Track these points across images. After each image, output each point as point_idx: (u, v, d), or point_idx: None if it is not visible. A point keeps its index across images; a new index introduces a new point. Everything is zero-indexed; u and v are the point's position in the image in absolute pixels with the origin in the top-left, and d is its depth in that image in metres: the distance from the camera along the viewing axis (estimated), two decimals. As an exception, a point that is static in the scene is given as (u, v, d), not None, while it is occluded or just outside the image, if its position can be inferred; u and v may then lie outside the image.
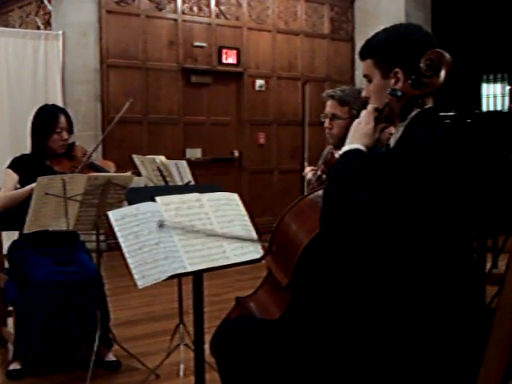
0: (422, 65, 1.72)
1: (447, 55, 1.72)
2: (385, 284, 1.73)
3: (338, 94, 2.99)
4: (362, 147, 1.80)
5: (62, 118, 3.72)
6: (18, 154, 3.85)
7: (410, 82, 1.74)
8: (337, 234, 1.68)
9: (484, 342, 1.56)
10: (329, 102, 3.04)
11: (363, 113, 1.88)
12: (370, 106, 1.86)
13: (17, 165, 3.73)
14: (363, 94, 1.94)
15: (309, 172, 3.19)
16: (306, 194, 2.08)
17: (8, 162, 3.78)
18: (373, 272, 1.75)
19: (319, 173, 3.01)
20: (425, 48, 1.76)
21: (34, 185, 3.41)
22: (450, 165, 1.67)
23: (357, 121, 1.87)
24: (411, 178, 1.63)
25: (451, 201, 1.68)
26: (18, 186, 3.69)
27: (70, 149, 3.81)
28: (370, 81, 1.89)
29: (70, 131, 3.78)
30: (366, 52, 1.88)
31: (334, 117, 3.00)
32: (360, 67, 1.99)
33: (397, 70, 1.80)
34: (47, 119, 3.72)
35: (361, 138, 1.82)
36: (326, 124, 3.03)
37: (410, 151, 1.67)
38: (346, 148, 1.83)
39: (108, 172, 3.78)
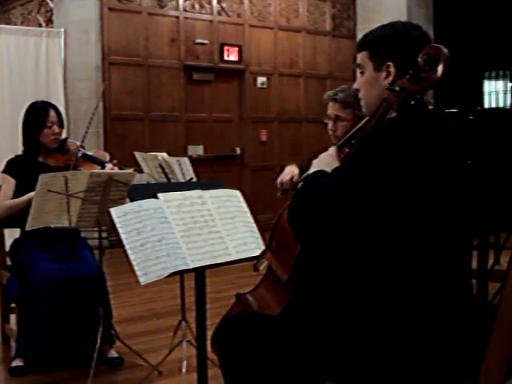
0: (419, 59, 1.74)
1: (445, 50, 1.72)
2: (377, 278, 1.74)
3: (340, 97, 2.93)
4: (326, 169, 1.86)
5: (52, 112, 3.73)
6: (12, 155, 3.85)
7: (407, 76, 1.75)
8: (312, 230, 1.70)
9: (486, 339, 1.56)
10: (331, 104, 2.99)
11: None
12: (331, 150, 1.96)
13: (12, 168, 3.73)
14: (354, 85, 1.98)
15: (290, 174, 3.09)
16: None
17: (3, 166, 3.77)
18: (363, 265, 1.76)
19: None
20: (420, 46, 1.77)
21: (32, 194, 3.42)
22: (406, 151, 1.66)
23: (325, 153, 1.97)
24: (367, 165, 1.66)
25: (413, 190, 1.68)
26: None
27: (62, 143, 3.81)
28: (362, 72, 1.92)
29: (61, 126, 3.78)
30: (363, 45, 1.92)
31: (337, 118, 2.96)
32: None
33: (389, 63, 1.83)
34: (37, 114, 3.73)
35: (324, 166, 1.88)
36: (330, 126, 2.97)
37: (367, 138, 1.73)
38: (310, 171, 1.88)
39: (103, 161, 3.77)
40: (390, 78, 1.82)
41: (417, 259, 1.72)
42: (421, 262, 1.72)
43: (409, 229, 1.70)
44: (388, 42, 1.84)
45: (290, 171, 2.81)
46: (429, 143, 1.70)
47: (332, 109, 2.98)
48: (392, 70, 1.83)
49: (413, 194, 1.68)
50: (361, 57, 1.92)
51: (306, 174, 1.89)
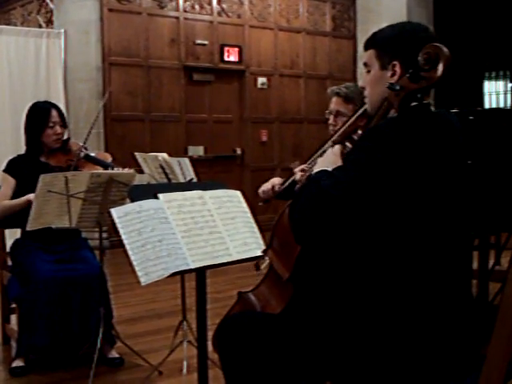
0: (419, 58, 1.74)
1: (445, 49, 1.73)
2: (377, 278, 1.74)
3: (343, 91, 2.99)
4: (328, 169, 1.85)
5: (54, 113, 3.73)
6: (13, 155, 3.85)
7: (408, 75, 1.75)
8: (311, 231, 1.71)
9: (486, 339, 1.56)
10: (334, 99, 3.04)
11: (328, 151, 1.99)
12: (336, 147, 1.96)
13: (13, 167, 3.73)
14: (360, 83, 2.01)
15: (298, 172, 3.10)
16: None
17: (4, 165, 3.77)
18: (363, 265, 1.76)
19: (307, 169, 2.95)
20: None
21: (30, 196, 3.42)
22: (405, 150, 1.67)
23: (330, 151, 1.97)
24: (369, 163, 1.66)
25: (411, 190, 1.68)
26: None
27: (65, 144, 3.81)
28: (368, 71, 1.93)
29: (64, 126, 3.78)
30: (370, 43, 1.94)
31: (338, 113, 3.00)
32: (362, 65, 2.03)
33: (395, 62, 1.84)
34: (39, 114, 3.72)
35: (327, 165, 1.88)
36: (331, 121, 3.02)
37: (366, 137, 1.74)
38: (315, 171, 1.89)
39: (105, 162, 3.78)
40: (396, 78, 1.82)
41: (417, 259, 1.72)
42: (421, 261, 1.72)
43: (407, 228, 1.70)
44: (395, 42, 1.85)
45: (272, 181, 2.90)
46: (426, 143, 1.70)
47: (334, 103, 3.03)
48: (398, 69, 1.83)
49: (410, 194, 1.68)
50: (368, 55, 1.93)
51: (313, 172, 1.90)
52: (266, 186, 2.88)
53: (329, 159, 1.92)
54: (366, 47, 1.94)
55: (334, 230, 1.67)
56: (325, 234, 1.69)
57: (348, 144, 2.04)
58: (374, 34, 1.94)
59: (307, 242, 1.79)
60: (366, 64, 1.94)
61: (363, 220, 1.67)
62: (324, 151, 2.98)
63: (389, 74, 1.85)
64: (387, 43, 1.87)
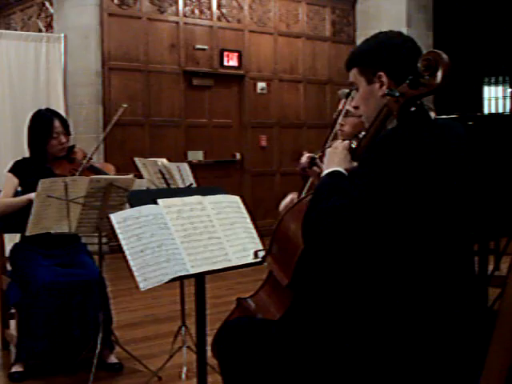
0: (419, 65, 1.75)
1: (444, 56, 1.73)
2: (381, 284, 1.74)
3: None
4: (341, 170, 1.85)
5: (57, 123, 3.71)
6: (19, 157, 3.85)
7: (407, 82, 1.76)
8: (323, 246, 1.72)
9: (486, 345, 1.56)
10: (343, 100, 3.08)
11: (338, 142, 1.97)
12: (346, 142, 1.94)
13: (18, 168, 3.73)
14: (353, 103, 2.01)
15: (305, 157, 3.13)
16: (303, 193, 2.10)
17: (9, 166, 3.78)
18: (369, 272, 1.76)
19: (316, 156, 2.95)
20: (405, 51, 1.83)
21: (32, 195, 3.42)
22: (411, 159, 1.67)
23: (333, 146, 1.95)
24: (376, 176, 1.66)
25: (420, 197, 1.68)
26: (19, 189, 3.70)
27: (69, 151, 3.81)
28: (357, 89, 1.96)
29: (67, 133, 3.78)
30: (351, 62, 1.97)
31: (347, 114, 3.03)
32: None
33: (380, 73, 1.86)
34: (43, 125, 3.70)
35: (339, 162, 1.88)
36: (340, 120, 3.05)
37: (371, 149, 1.74)
38: (325, 172, 1.88)
39: (108, 175, 3.77)
40: (385, 87, 1.84)
41: (421, 266, 1.71)
42: (425, 268, 1.71)
43: (414, 238, 1.70)
44: (374, 53, 1.88)
45: (290, 197, 2.91)
46: (429, 150, 1.70)
47: (343, 104, 3.06)
48: (384, 79, 1.85)
49: (419, 203, 1.68)
50: (352, 75, 1.96)
51: (324, 173, 1.89)
52: (285, 201, 2.91)
53: (339, 154, 1.91)
54: (348, 68, 1.97)
55: (349, 246, 1.69)
56: (340, 250, 1.70)
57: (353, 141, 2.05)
58: (352, 53, 1.98)
59: (322, 255, 1.81)
60: (352, 83, 1.97)
61: (376, 234, 1.68)
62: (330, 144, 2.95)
63: (377, 86, 1.87)
64: (367, 57, 1.90)
